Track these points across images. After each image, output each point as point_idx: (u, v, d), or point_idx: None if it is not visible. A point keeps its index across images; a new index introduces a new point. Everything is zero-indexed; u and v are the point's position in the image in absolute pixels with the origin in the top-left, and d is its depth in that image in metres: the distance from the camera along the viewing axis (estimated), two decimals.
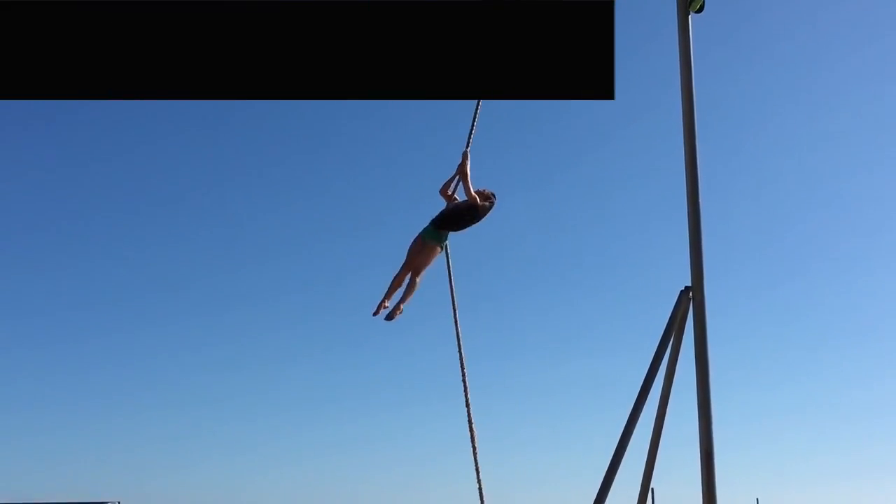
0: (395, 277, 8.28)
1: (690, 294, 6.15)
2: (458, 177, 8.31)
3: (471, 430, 8.09)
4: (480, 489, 7.69)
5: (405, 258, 8.29)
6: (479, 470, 7.74)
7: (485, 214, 8.31)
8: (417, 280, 8.29)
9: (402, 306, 8.26)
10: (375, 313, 8.25)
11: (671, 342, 6.15)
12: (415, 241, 8.31)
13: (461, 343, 8.30)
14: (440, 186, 8.50)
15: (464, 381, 8.21)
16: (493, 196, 8.35)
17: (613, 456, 5.98)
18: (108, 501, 9.94)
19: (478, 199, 8.21)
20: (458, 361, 8.22)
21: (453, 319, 8.40)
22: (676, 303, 6.18)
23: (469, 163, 8.22)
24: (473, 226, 8.37)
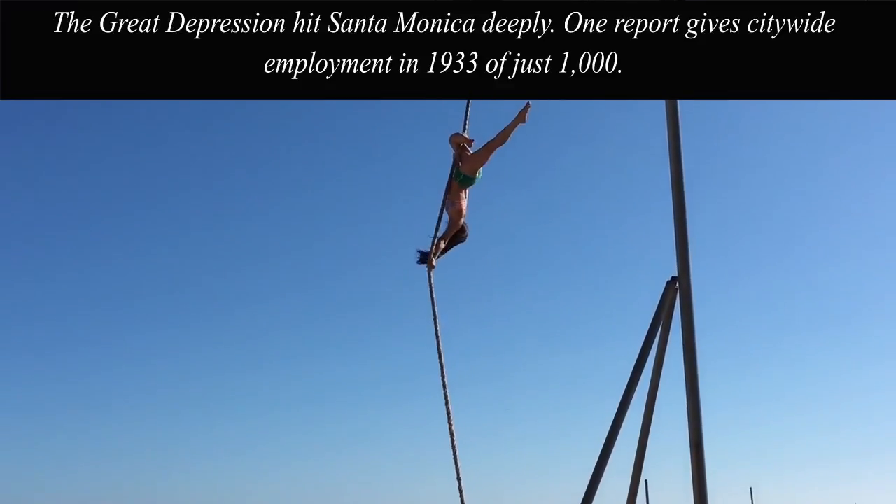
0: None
1: (677, 284, 6.11)
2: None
3: (450, 427, 7.98)
4: (460, 488, 7.60)
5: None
6: (459, 468, 7.64)
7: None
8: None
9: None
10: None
11: (658, 333, 6.11)
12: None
13: (440, 341, 8.28)
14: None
15: (443, 378, 8.14)
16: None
17: (603, 448, 5.95)
18: None
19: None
20: (438, 359, 8.21)
21: (433, 321, 8.43)
22: (663, 293, 6.14)
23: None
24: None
